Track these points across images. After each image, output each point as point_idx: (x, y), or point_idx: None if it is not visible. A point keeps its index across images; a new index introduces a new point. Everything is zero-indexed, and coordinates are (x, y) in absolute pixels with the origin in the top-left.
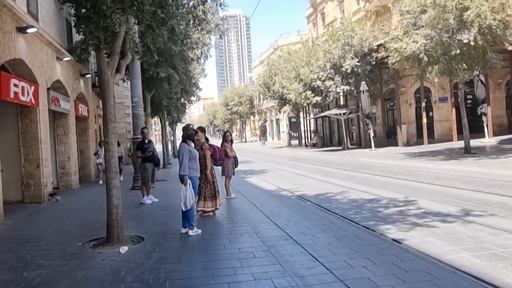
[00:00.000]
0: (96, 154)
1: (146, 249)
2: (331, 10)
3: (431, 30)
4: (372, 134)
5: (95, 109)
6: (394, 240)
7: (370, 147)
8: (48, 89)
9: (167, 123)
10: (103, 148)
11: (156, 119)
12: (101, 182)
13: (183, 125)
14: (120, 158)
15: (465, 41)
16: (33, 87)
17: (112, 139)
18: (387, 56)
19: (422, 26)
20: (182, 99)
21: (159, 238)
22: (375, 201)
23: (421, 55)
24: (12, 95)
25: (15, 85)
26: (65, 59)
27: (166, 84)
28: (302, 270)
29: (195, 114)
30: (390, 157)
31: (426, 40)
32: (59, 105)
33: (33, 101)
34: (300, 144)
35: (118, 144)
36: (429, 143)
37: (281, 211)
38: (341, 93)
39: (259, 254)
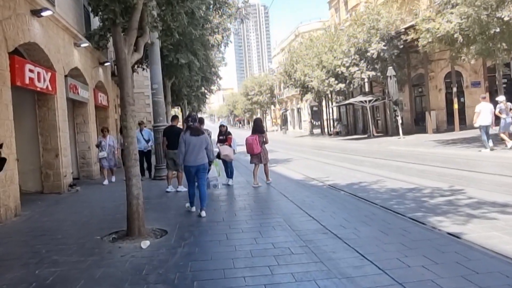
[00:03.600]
0: (98, 146)
1: (170, 243)
2: None
3: (468, 7)
4: (400, 121)
5: (115, 99)
6: (450, 234)
7: (398, 134)
8: (65, 76)
9: (187, 112)
10: (107, 138)
11: (176, 109)
12: (106, 182)
13: (198, 114)
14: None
15: (506, 18)
16: (49, 74)
17: (131, 123)
18: (417, 39)
19: (457, 4)
20: (203, 88)
21: (184, 231)
22: (417, 190)
23: (455, 35)
24: (27, 81)
25: (30, 71)
26: (82, 45)
27: (187, 70)
28: (349, 270)
29: (215, 104)
30: (420, 144)
31: (462, 19)
32: (78, 93)
33: (50, 88)
34: (322, 133)
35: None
36: (460, 129)
37: (313, 202)
38: (366, 80)
39: (297, 250)
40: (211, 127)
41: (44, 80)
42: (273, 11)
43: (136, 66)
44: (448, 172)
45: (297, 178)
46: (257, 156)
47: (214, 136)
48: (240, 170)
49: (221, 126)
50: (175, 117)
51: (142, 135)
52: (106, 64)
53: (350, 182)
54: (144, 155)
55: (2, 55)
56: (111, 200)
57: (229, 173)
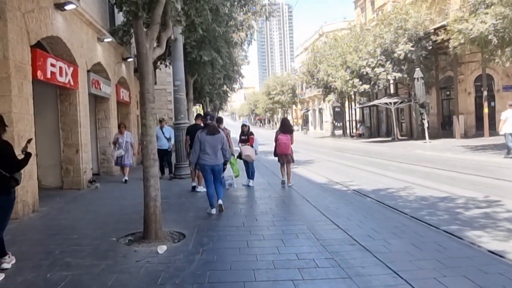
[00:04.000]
0: (115, 143)
1: (188, 249)
2: None
3: (505, 7)
4: (426, 125)
5: (137, 95)
6: (491, 252)
7: (423, 138)
8: (88, 71)
9: (209, 110)
10: (124, 135)
11: (198, 106)
12: (126, 178)
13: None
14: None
15: None
16: (72, 68)
17: (150, 121)
18: (448, 40)
19: (493, 4)
20: (225, 86)
21: (203, 236)
22: (449, 200)
23: (489, 37)
24: (48, 75)
25: (52, 65)
26: (106, 40)
27: (209, 68)
28: None
29: (236, 103)
30: (448, 149)
31: (497, 20)
32: (100, 88)
33: (72, 83)
34: (344, 134)
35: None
36: (490, 135)
37: (338, 208)
38: (391, 81)
39: (322, 263)
40: (232, 125)
41: (66, 75)
42: (297, 10)
43: (159, 62)
44: (481, 181)
45: (320, 182)
46: (288, 156)
47: (234, 135)
48: (261, 170)
49: (243, 125)
50: (198, 116)
51: (163, 132)
52: (129, 60)
53: (376, 188)
54: (165, 153)
55: (24, 48)
56: (130, 198)
57: (250, 174)
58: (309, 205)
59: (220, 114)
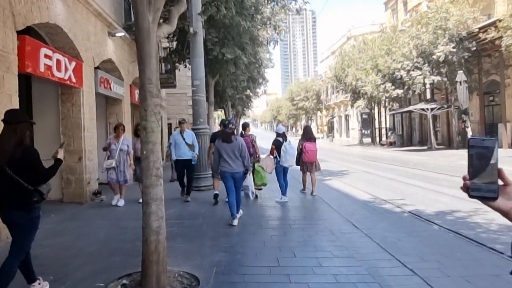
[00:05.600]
0: (106, 149)
1: None
2: None
3: None
4: (470, 133)
5: None
6: None
7: (464, 147)
8: (96, 68)
9: (230, 115)
10: (120, 140)
11: (219, 112)
12: (114, 202)
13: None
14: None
15: None
16: (74, 63)
17: (152, 123)
18: (499, 38)
19: None
20: (248, 90)
21: (222, 282)
22: None
23: None
24: (42, 69)
25: (47, 57)
26: (118, 34)
27: (232, 67)
28: None
29: (258, 109)
30: (500, 161)
31: None
32: (110, 88)
33: (74, 80)
34: (373, 142)
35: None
36: None
37: (399, 239)
38: (427, 85)
39: None
40: (253, 131)
41: (66, 70)
42: (321, 15)
43: (178, 62)
44: None
45: (363, 199)
46: (314, 163)
47: (259, 142)
48: (291, 182)
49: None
50: (223, 122)
51: (184, 138)
52: None
53: (438, 210)
54: (186, 166)
55: (8, 33)
56: (136, 217)
57: (282, 188)
58: (359, 233)
59: (242, 120)
